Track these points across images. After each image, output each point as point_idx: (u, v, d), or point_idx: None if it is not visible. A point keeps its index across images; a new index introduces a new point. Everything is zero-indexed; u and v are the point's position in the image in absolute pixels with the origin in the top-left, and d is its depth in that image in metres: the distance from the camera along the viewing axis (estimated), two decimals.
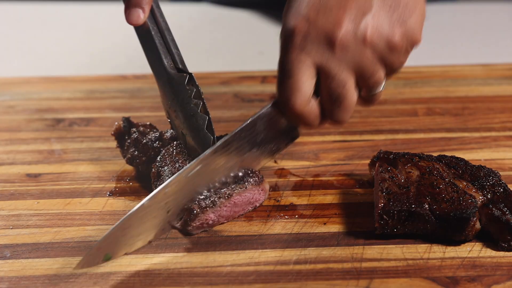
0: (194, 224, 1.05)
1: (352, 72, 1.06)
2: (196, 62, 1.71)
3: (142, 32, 1.15)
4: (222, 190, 1.08)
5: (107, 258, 1.00)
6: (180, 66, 1.15)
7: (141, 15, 1.11)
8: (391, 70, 1.09)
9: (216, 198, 1.07)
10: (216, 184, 1.09)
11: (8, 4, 2.10)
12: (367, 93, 1.09)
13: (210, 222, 1.07)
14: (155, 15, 1.15)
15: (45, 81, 1.58)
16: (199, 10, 1.99)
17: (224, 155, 1.08)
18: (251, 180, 1.11)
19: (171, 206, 1.05)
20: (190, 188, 1.06)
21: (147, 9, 1.12)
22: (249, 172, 1.12)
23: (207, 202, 1.06)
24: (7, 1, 2.12)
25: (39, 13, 2.04)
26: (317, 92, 1.07)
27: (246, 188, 1.10)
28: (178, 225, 1.06)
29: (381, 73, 1.07)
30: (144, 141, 1.19)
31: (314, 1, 1.04)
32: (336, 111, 1.08)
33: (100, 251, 0.99)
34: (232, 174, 1.11)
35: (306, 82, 1.04)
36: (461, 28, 1.95)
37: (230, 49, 1.81)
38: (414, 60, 1.29)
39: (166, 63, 1.14)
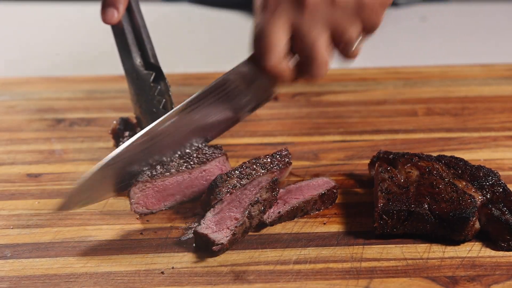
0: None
1: (324, 30, 1.10)
2: (196, 62, 1.73)
3: (117, 30, 1.19)
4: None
5: (83, 204, 1.06)
6: (152, 60, 1.19)
7: (115, 15, 1.16)
8: (367, 26, 1.12)
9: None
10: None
11: (8, 4, 2.10)
12: (344, 49, 1.13)
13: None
14: (132, 12, 1.19)
15: (45, 81, 1.59)
16: (198, 11, 1.99)
17: (197, 110, 1.11)
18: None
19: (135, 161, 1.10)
20: (160, 145, 1.11)
21: (122, 8, 1.16)
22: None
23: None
24: (7, 1, 2.12)
25: (39, 13, 2.04)
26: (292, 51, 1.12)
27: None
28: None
29: (354, 29, 1.11)
30: None
31: None
32: (309, 68, 1.11)
33: (76, 196, 1.04)
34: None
35: (279, 41, 1.09)
36: (461, 28, 1.96)
37: (230, 49, 1.81)
38: (414, 60, 1.30)
39: (136, 62, 1.18)
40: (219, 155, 1.15)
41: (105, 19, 1.16)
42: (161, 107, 1.16)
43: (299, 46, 1.11)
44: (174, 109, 1.08)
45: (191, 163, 1.12)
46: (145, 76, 1.18)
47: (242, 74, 1.13)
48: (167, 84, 1.18)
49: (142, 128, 1.20)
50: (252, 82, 1.15)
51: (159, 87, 1.17)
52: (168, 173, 1.10)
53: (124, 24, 1.19)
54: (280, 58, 1.10)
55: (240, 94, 1.15)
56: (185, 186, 1.13)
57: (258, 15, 1.12)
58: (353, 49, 1.14)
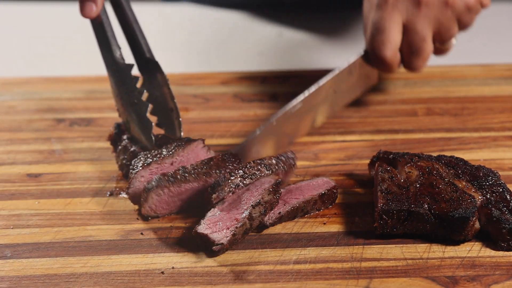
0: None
1: (431, 28, 1.29)
2: (196, 62, 1.72)
3: (96, 24, 1.19)
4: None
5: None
6: (148, 55, 1.20)
7: (94, 8, 1.16)
8: (463, 26, 1.32)
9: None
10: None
11: (8, 4, 2.10)
12: (440, 45, 1.34)
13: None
14: (123, 7, 1.20)
15: (45, 81, 1.58)
16: (198, 11, 1.99)
17: (321, 92, 1.31)
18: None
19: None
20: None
21: (100, 2, 1.16)
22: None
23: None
24: (7, 1, 2.12)
25: (39, 13, 2.04)
26: None
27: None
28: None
29: (455, 29, 1.31)
30: (132, 149, 1.18)
31: None
32: (414, 61, 1.31)
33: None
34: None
35: (396, 36, 1.28)
36: None
37: (230, 49, 1.81)
38: None
39: (116, 54, 1.19)
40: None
41: (83, 13, 1.16)
42: (157, 98, 1.18)
43: (408, 41, 1.30)
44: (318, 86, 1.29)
45: (212, 170, 1.11)
46: (125, 68, 1.17)
47: (357, 65, 1.33)
48: (165, 76, 1.18)
49: (129, 132, 1.19)
50: (363, 71, 1.36)
51: (139, 78, 1.17)
52: (186, 179, 1.09)
53: (102, 17, 1.18)
54: (395, 51, 1.29)
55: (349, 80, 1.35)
56: (197, 193, 1.11)
57: (379, 8, 1.29)
58: (448, 45, 1.35)
